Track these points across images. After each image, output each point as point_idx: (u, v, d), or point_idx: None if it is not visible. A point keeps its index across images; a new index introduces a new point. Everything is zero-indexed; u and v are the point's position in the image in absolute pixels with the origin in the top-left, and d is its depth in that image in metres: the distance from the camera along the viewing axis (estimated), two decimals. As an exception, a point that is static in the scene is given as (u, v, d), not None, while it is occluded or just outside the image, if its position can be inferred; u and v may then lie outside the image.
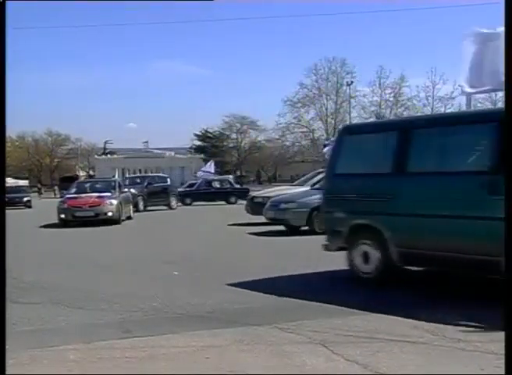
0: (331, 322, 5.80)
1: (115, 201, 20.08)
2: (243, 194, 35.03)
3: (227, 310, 6.53)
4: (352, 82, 61.09)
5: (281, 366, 4.59)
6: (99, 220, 19.23)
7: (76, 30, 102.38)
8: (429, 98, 60.87)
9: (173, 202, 29.88)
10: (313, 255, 9.80)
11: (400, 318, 5.86)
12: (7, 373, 4.09)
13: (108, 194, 20.48)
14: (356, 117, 59.82)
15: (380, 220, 7.54)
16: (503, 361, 4.00)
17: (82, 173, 72.65)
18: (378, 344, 5.04)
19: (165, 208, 28.82)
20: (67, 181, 46.20)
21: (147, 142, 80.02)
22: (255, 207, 17.79)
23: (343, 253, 8.13)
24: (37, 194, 53.23)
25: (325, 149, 17.19)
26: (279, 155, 71.46)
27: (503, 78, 5.54)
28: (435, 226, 6.93)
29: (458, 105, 56.29)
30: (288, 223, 15.32)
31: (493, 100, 54.40)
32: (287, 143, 68.24)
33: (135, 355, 4.87)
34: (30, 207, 36.57)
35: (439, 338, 5.17)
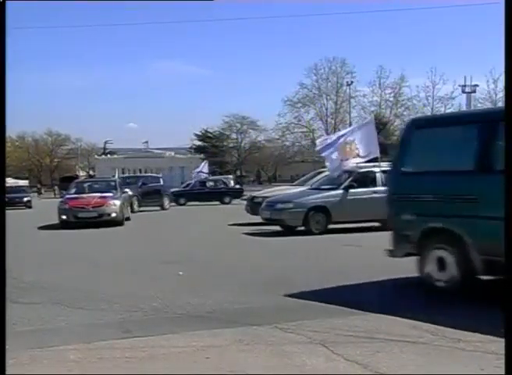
0: (331, 322, 5.80)
1: (118, 202, 19.39)
2: (237, 194, 35.10)
3: (227, 310, 6.53)
4: (352, 82, 61.32)
5: (281, 366, 4.58)
6: (102, 222, 18.41)
7: (76, 30, 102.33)
8: (429, 98, 61.15)
9: (166, 203, 29.89)
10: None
11: (399, 318, 5.85)
12: (7, 373, 4.09)
13: (111, 194, 19.80)
14: (356, 117, 59.99)
15: (460, 224, 6.81)
16: (503, 361, 4.01)
17: (82, 173, 72.63)
18: (378, 344, 5.04)
19: (157, 208, 28.72)
20: (67, 181, 45.94)
21: (147, 142, 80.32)
22: (255, 207, 17.78)
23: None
24: (36, 194, 53.22)
25: (324, 153, 16.93)
26: (279, 155, 71.43)
27: None
28: None
29: (458, 105, 56.53)
30: (284, 223, 15.28)
31: (493, 100, 54.51)
32: (287, 143, 68.33)
33: (135, 355, 4.87)
34: (30, 207, 36.49)
35: (439, 338, 5.17)
